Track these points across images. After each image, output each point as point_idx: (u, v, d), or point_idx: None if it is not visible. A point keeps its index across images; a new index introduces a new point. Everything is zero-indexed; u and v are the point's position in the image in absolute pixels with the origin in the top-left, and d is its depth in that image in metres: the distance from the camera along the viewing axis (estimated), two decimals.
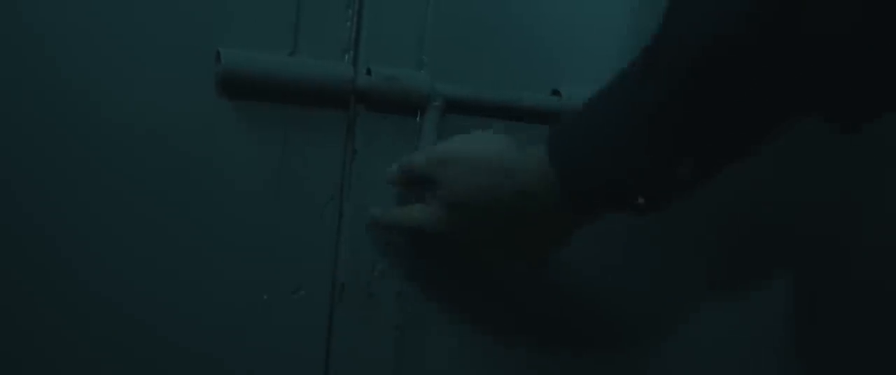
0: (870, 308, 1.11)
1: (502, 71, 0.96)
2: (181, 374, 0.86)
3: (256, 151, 0.88)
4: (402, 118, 0.92)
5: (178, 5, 0.84)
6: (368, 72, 0.90)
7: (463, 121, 0.92)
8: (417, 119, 0.92)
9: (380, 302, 0.93)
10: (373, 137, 0.91)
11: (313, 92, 0.88)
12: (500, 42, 0.96)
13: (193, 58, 0.84)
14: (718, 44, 0.67)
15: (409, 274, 0.94)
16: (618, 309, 1.03)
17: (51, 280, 0.82)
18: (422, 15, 0.93)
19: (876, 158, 1.10)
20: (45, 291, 0.82)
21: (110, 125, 0.82)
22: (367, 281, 0.93)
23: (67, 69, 0.81)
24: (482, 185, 0.81)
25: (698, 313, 1.07)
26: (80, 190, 0.82)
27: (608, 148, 0.74)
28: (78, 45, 0.81)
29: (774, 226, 1.07)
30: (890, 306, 1.10)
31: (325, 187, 0.90)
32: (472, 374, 0.97)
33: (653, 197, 0.75)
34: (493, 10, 0.96)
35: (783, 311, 1.09)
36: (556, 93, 0.97)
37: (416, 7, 0.93)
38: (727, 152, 0.73)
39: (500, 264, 0.94)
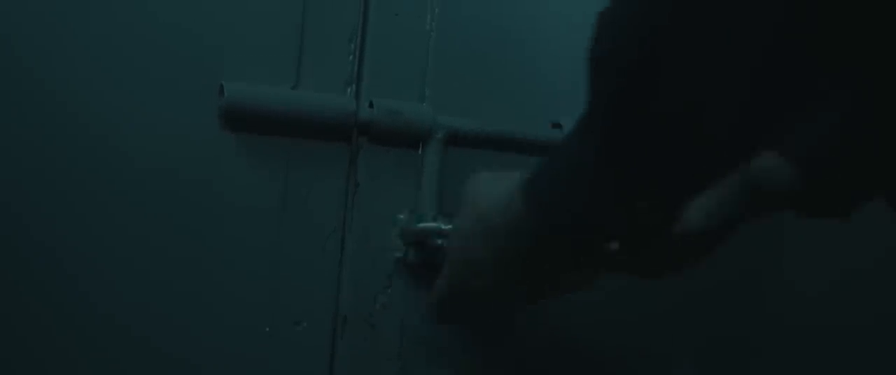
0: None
1: (503, 104, 0.97)
2: None
3: (259, 184, 0.88)
4: (404, 151, 0.92)
5: (183, 39, 0.84)
6: (371, 105, 0.90)
7: (465, 153, 0.93)
8: (419, 152, 0.93)
9: (382, 335, 0.93)
10: (375, 170, 0.92)
11: (316, 125, 0.89)
12: (502, 75, 0.97)
13: (197, 91, 0.85)
14: (606, 112, 0.67)
15: (411, 307, 0.94)
16: (621, 342, 1.04)
17: (58, 304, 0.82)
18: (423, 48, 0.94)
19: None
20: (54, 311, 0.82)
21: (113, 158, 0.83)
22: (369, 313, 0.93)
23: (72, 101, 0.81)
24: (475, 230, 0.78)
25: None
26: (83, 224, 0.82)
27: (564, 193, 0.72)
28: (83, 77, 0.81)
29: None
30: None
31: (328, 220, 0.91)
32: None
33: (625, 242, 0.73)
34: (494, 43, 0.96)
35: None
36: (556, 125, 0.97)
37: (417, 41, 0.94)
38: (674, 193, 0.71)
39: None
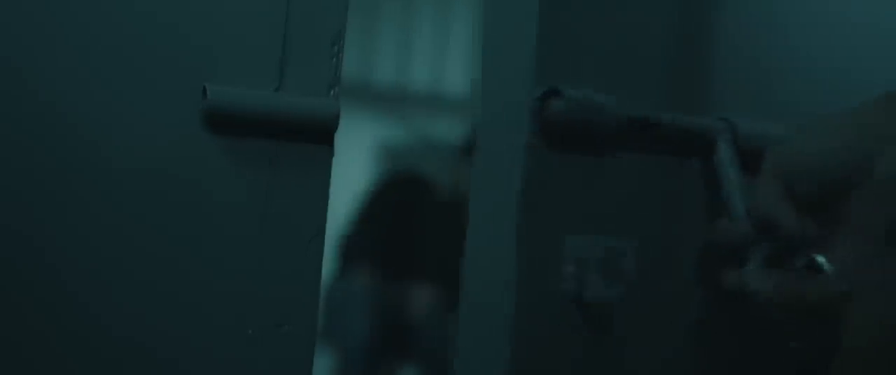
0: None
1: None
2: None
3: (242, 186, 0.88)
4: None
5: (165, 42, 0.84)
6: None
7: None
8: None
9: None
10: None
11: (299, 127, 0.89)
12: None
13: (180, 94, 0.85)
14: None
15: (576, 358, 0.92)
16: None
17: (38, 303, 0.82)
18: None
19: None
20: (33, 310, 0.82)
21: (94, 159, 0.83)
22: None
23: (54, 101, 0.81)
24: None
25: None
26: (63, 224, 0.82)
27: None
28: (65, 78, 0.82)
29: None
30: None
31: (311, 222, 0.91)
32: None
33: None
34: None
35: None
36: None
37: None
38: None
39: None
